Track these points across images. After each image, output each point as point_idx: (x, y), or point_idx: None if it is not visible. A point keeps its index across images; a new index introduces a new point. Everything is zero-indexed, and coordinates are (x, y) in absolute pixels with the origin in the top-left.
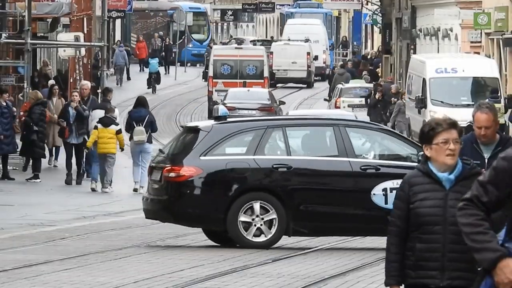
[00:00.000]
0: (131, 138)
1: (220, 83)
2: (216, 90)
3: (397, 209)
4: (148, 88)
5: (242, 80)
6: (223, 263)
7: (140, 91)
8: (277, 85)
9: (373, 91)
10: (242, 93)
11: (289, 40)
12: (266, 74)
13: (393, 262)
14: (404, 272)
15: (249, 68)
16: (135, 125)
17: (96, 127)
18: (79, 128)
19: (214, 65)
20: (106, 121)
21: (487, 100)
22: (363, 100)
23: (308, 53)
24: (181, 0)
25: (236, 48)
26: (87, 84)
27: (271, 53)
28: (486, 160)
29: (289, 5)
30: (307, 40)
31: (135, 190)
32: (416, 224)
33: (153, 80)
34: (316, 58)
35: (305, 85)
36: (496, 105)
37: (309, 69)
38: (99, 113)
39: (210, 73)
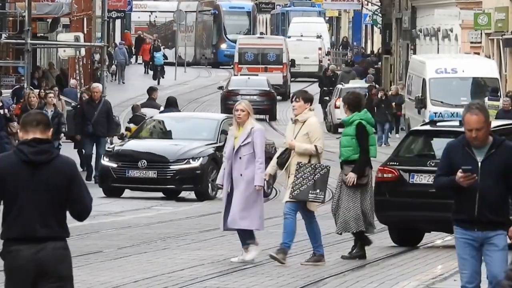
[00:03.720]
0: None
1: (244, 68)
2: (241, 75)
3: None
4: (154, 79)
5: (263, 66)
6: (223, 263)
7: (141, 90)
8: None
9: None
10: (243, 81)
11: (301, 36)
12: (285, 60)
13: None
14: None
15: (270, 55)
16: None
17: (128, 128)
18: (57, 133)
19: (239, 53)
20: (137, 120)
21: (486, 98)
22: None
23: (320, 48)
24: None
25: (258, 37)
26: (98, 86)
27: None
28: (480, 164)
29: (280, 5)
30: (319, 36)
31: None
32: None
33: (159, 72)
34: (328, 53)
35: (317, 79)
36: (495, 103)
37: (321, 63)
38: (149, 112)
39: (236, 60)
